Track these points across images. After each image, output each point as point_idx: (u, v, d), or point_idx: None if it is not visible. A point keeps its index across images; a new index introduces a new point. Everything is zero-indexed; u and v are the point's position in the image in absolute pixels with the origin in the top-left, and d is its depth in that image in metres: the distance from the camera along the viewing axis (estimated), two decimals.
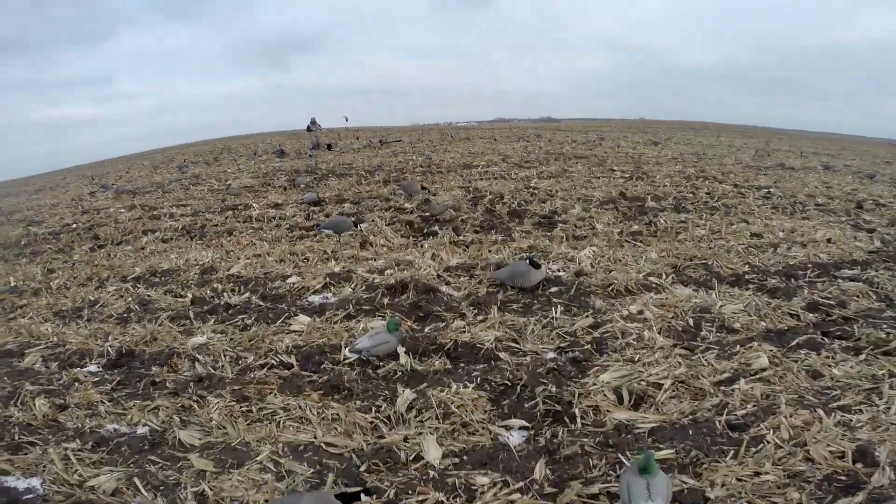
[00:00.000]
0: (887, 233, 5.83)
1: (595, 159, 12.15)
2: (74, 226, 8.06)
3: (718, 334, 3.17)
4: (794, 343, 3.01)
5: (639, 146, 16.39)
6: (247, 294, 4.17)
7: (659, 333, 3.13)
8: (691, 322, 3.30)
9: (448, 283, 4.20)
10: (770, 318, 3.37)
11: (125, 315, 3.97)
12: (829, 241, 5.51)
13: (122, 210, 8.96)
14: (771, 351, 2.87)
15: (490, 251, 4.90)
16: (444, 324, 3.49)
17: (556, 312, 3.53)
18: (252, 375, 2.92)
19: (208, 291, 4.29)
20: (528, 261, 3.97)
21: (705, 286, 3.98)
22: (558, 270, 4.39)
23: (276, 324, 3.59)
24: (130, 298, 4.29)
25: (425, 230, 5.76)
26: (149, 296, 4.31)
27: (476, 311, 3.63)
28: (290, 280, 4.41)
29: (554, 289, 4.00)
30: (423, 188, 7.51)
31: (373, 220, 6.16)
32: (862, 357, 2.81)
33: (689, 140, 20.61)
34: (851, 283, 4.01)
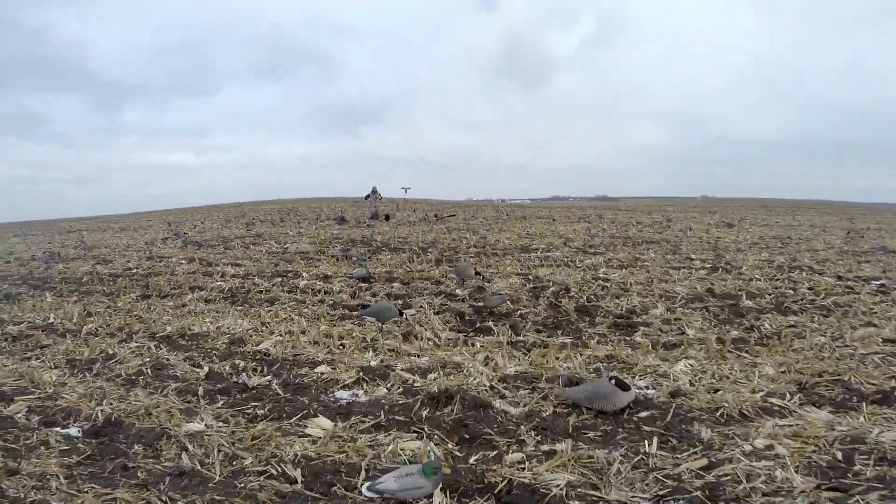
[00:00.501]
0: None
1: (667, 245, 11.20)
2: (134, 271, 8.32)
3: (879, 468, 2.43)
4: None
5: (712, 228, 15.22)
6: (268, 377, 3.82)
7: (797, 472, 2.38)
8: (839, 455, 2.55)
9: (503, 397, 3.45)
10: None
11: (134, 377, 3.84)
12: None
13: (183, 261, 9.24)
14: None
15: (557, 359, 4.10)
16: (495, 452, 2.75)
17: (650, 446, 2.70)
18: (243, 483, 2.39)
19: (228, 367, 4.02)
20: (612, 380, 3.20)
21: (845, 408, 3.15)
22: (647, 388, 3.53)
23: (291, 421, 3.09)
24: (147, 359, 4.20)
25: (478, 324, 5.09)
26: (167, 359, 4.17)
27: (539, 438, 2.86)
28: (319, 368, 3.99)
29: (644, 413, 3.13)
30: (476, 273, 6.92)
31: (421, 307, 5.64)
32: None
33: (765, 220, 19.08)
34: None
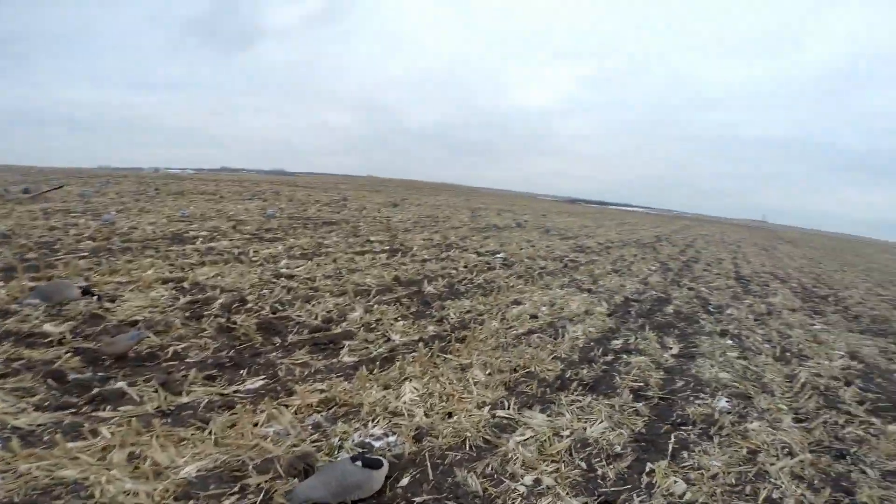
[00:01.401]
0: (606, 291, 6.93)
1: (347, 226, 11.06)
2: None
3: (614, 466, 2.75)
4: None
5: (382, 208, 16.49)
6: None
7: (573, 498, 2.44)
8: (583, 464, 2.73)
9: None
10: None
11: None
12: (586, 312, 5.91)
13: None
14: None
15: (257, 424, 2.73)
16: None
17: None
18: None
19: None
20: (357, 459, 2.25)
21: (545, 402, 3.42)
22: (387, 436, 2.79)
23: None
24: None
25: (96, 388, 2.97)
26: None
27: None
28: None
29: (405, 479, 2.43)
30: (85, 292, 4.30)
31: None
32: None
33: (420, 200, 22.57)
34: (635, 357, 4.49)
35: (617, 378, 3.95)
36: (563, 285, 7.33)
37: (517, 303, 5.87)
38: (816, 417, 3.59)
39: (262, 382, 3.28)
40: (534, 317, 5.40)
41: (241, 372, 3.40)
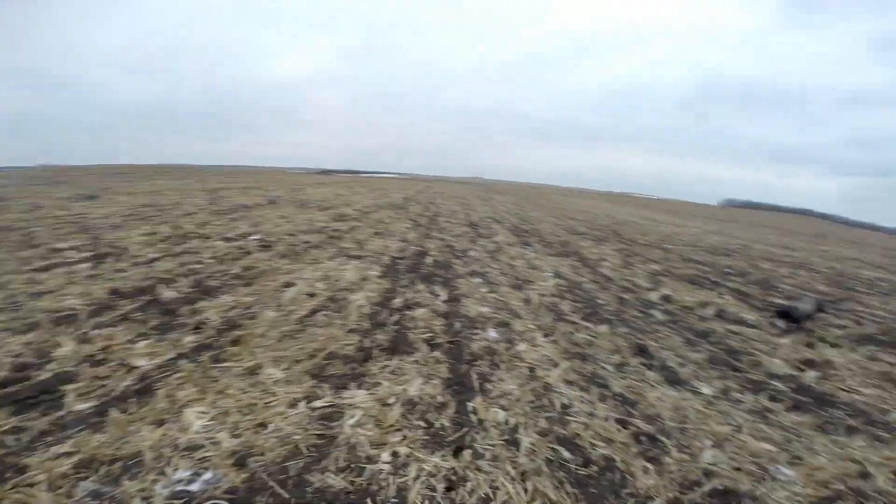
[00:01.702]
0: (374, 255, 7.10)
1: (13, 235, 7.62)
2: None
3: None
4: None
5: (70, 204, 12.13)
6: None
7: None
8: (423, 424, 2.81)
9: None
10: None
11: None
12: (362, 279, 5.88)
13: None
14: None
15: None
16: None
17: None
18: None
19: None
20: None
21: (358, 376, 3.34)
22: (201, 477, 2.24)
23: None
24: None
25: None
26: None
27: None
28: None
29: None
30: None
31: None
32: None
33: (132, 188, 17.80)
34: (417, 311, 4.67)
35: (410, 335, 4.07)
36: (332, 256, 7.09)
37: (289, 285, 5.31)
38: (555, 331, 4.56)
39: None
40: (311, 295, 5.00)
41: None
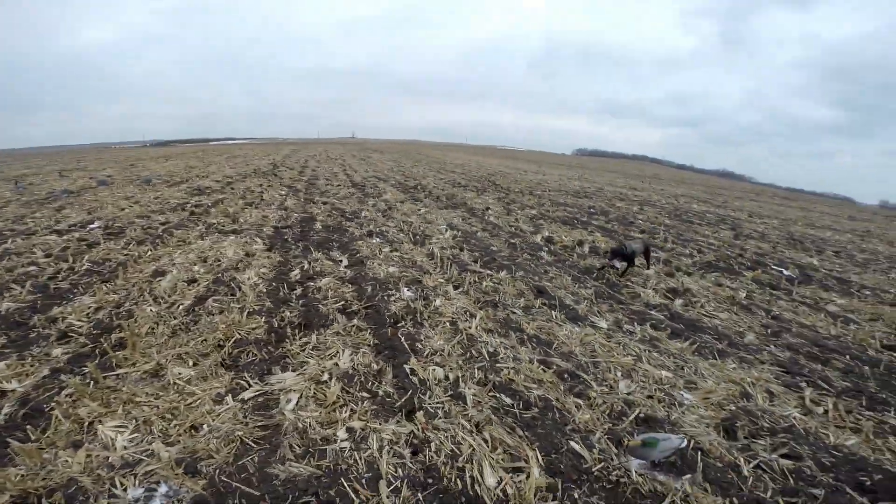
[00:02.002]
0: (252, 227, 6.46)
1: None
2: None
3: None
4: None
5: None
6: None
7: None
8: (366, 394, 2.46)
9: None
10: None
11: None
12: (247, 254, 5.36)
13: None
14: None
15: None
16: None
17: None
18: None
19: None
20: None
21: (279, 359, 3.14)
22: (157, 492, 1.78)
23: None
24: None
25: None
26: None
27: None
28: None
29: None
30: None
31: None
32: None
33: None
34: (320, 280, 4.49)
35: (320, 307, 3.86)
36: (202, 235, 6.26)
37: (160, 273, 4.54)
38: (463, 282, 4.70)
39: None
40: (192, 281, 4.38)
41: None
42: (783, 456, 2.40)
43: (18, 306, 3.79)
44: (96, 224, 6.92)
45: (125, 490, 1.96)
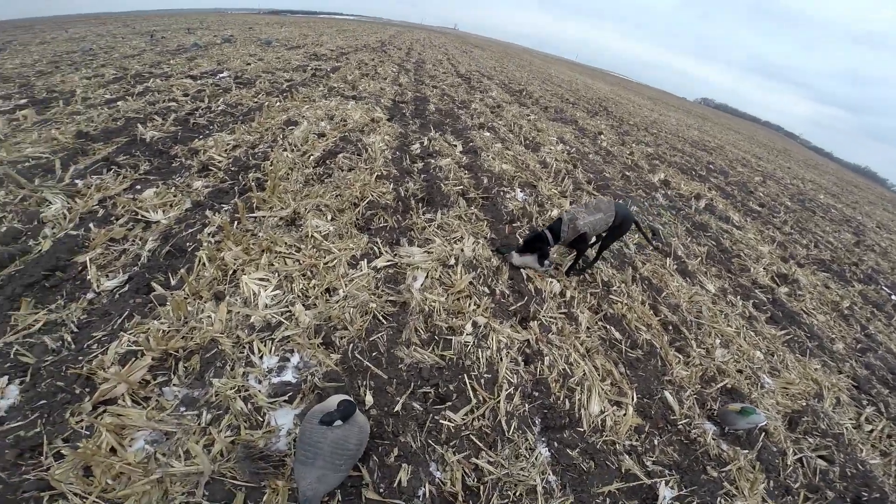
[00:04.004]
0: (371, 96, 6.43)
1: None
2: None
3: None
4: None
5: None
6: None
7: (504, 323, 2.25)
8: (486, 290, 2.57)
9: None
10: None
11: None
12: (372, 120, 5.40)
13: None
14: None
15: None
16: None
17: None
18: None
19: None
20: (331, 420, 1.57)
21: (405, 231, 3.04)
22: (289, 362, 2.00)
23: None
24: None
25: None
26: None
27: None
28: None
29: (369, 397, 1.71)
30: None
31: None
32: None
33: (44, 39, 14.26)
34: (439, 160, 4.47)
35: (442, 186, 3.87)
36: (325, 95, 6.34)
37: (292, 123, 4.72)
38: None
39: (17, 389, 1.69)
40: (321, 135, 4.51)
41: None
42: (821, 457, 2.41)
43: (161, 136, 4.05)
44: (226, 73, 7.21)
45: (261, 358, 1.95)
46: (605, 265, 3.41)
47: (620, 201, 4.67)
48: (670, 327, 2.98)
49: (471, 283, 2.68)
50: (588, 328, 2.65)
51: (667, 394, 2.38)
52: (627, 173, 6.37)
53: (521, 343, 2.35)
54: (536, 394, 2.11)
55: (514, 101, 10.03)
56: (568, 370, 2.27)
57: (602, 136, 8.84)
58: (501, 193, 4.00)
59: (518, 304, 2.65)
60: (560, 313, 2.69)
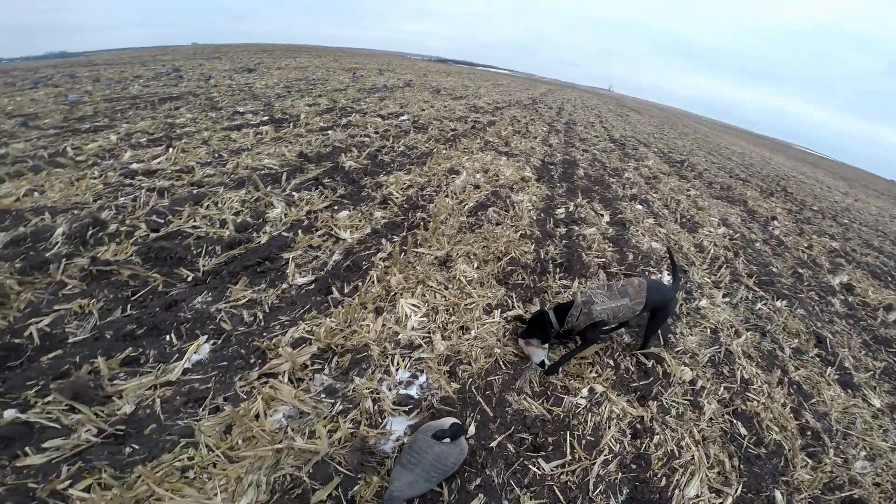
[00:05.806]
0: (522, 154, 6.72)
1: (197, 100, 8.41)
2: None
3: None
4: None
5: (234, 76, 12.83)
6: None
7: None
8: (611, 363, 2.58)
9: None
10: None
11: None
12: (522, 179, 5.65)
13: None
14: None
15: (259, 418, 1.94)
16: None
17: None
18: None
19: None
20: (444, 436, 1.76)
21: (539, 292, 3.28)
22: (416, 381, 2.26)
23: None
24: None
25: None
26: None
27: None
28: None
29: (471, 426, 2.09)
30: None
31: None
32: None
33: (280, 64, 18.39)
34: (584, 228, 4.27)
35: (583, 255, 3.90)
36: (481, 148, 6.94)
37: (454, 172, 5.28)
38: (735, 293, 4.07)
39: (209, 348, 2.30)
40: (476, 187, 4.95)
41: (166, 338, 2.33)
42: None
43: (356, 166, 4.92)
44: (405, 116, 8.38)
45: (397, 370, 2.24)
46: (749, 363, 3.06)
47: (657, 279, 3.45)
48: (808, 432, 2.64)
49: (597, 353, 2.71)
50: (712, 418, 2.47)
51: (777, 493, 2.12)
52: (800, 270, 5.51)
53: (633, 418, 2.31)
54: (634, 466, 2.06)
55: (674, 172, 9.53)
56: (676, 452, 2.16)
57: (775, 221, 7.81)
58: (646, 273, 3.85)
59: (641, 383, 2.58)
60: (685, 399, 2.55)
